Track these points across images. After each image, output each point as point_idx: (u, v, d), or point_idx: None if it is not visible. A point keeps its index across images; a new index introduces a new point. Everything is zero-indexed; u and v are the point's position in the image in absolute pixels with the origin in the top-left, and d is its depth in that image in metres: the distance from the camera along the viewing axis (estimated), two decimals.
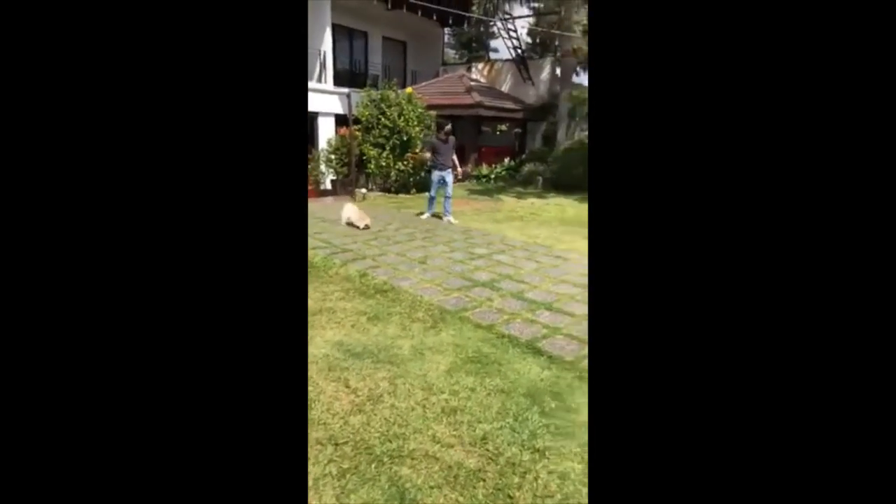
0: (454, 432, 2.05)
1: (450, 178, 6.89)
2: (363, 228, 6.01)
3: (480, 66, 15.21)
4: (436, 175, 6.94)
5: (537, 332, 3.13)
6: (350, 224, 6.19)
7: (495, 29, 13.44)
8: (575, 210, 8.06)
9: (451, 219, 6.80)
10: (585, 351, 2.86)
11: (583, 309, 3.53)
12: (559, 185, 10.09)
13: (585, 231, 6.40)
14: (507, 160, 12.27)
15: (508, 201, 8.91)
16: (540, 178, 10.66)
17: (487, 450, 1.94)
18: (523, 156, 12.48)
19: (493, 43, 21.00)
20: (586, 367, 2.66)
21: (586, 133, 12.38)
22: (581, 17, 16.07)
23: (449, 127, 7.18)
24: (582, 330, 3.16)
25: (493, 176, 11.48)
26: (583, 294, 3.86)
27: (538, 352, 2.85)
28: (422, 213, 7.17)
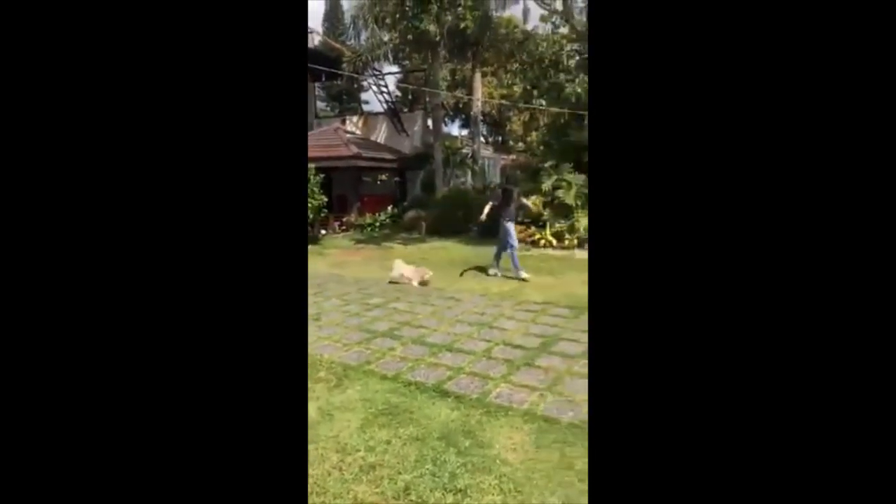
0: (376, 489, 2.03)
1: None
2: (419, 285, 5.72)
3: (355, 118, 15.59)
4: (511, 226, 6.36)
5: (442, 374, 3.23)
6: (401, 281, 5.81)
7: (366, 83, 13.98)
8: (460, 252, 8.50)
9: (523, 274, 6.24)
10: (489, 386, 3.03)
11: (482, 346, 3.74)
12: (441, 229, 10.57)
13: (472, 271, 6.83)
14: (389, 208, 12.55)
15: (396, 248, 9.09)
16: (423, 224, 11.08)
17: (412, 500, 1.96)
18: (405, 203, 12.88)
19: (364, 95, 21.71)
20: (492, 402, 2.82)
21: (462, 180, 13.25)
22: (445, 73, 17.38)
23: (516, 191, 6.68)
24: (483, 367, 3.35)
25: (377, 224, 11.64)
26: (479, 332, 4.08)
27: (445, 394, 2.95)
28: (506, 273, 6.34)
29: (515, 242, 6.37)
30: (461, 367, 3.35)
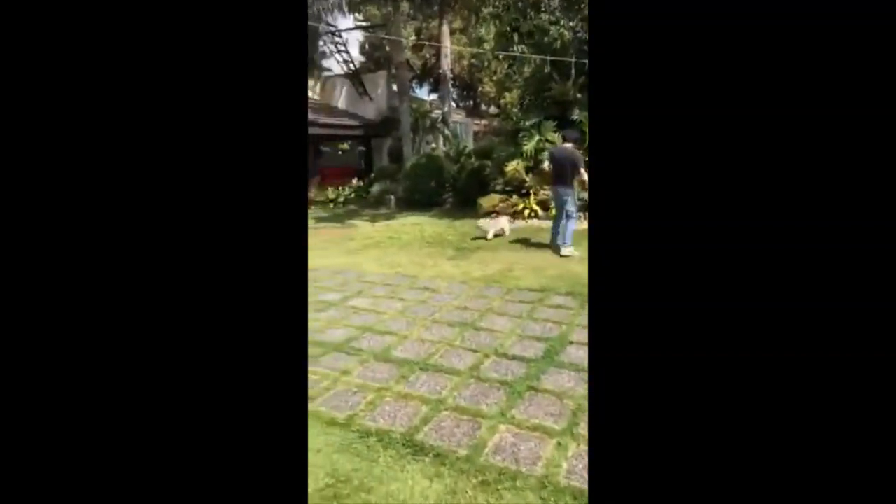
0: None
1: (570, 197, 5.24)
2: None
3: (311, 82, 14.11)
4: (558, 193, 5.35)
5: (414, 412, 2.29)
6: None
7: (321, 42, 12.47)
8: (434, 227, 7.50)
9: (569, 250, 5.20)
10: (482, 432, 2.10)
11: (468, 360, 2.80)
12: (413, 202, 9.52)
13: (449, 251, 5.82)
14: (354, 181, 11.39)
15: (362, 226, 8.03)
16: (392, 198, 9.98)
17: None
18: (371, 175, 11.71)
19: (323, 62, 20.03)
20: (489, 464, 1.89)
21: (432, 146, 12.12)
22: (409, 31, 15.97)
23: (567, 144, 5.35)
24: (470, 395, 2.41)
25: (341, 200, 10.49)
26: (461, 336, 3.15)
27: (419, 449, 2.01)
28: (559, 251, 5.25)
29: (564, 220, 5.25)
30: (441, 397, 2.40)
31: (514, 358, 2.81)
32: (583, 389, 2.41)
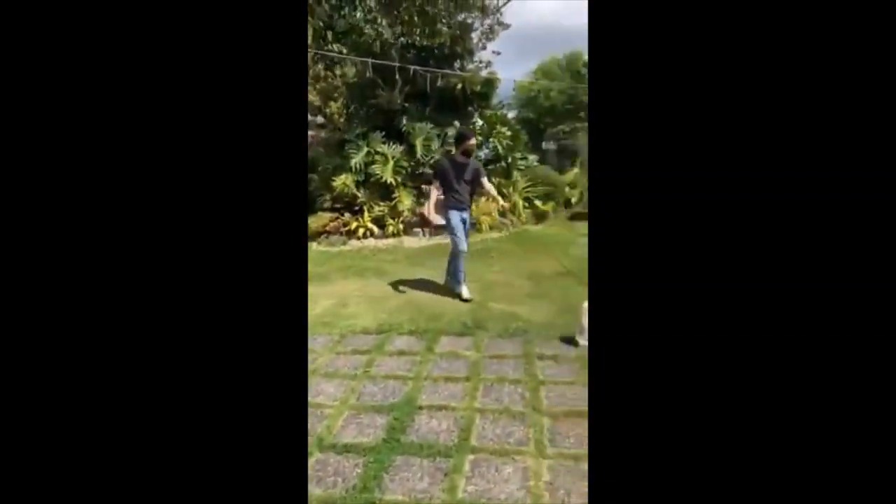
0: None
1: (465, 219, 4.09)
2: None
3: None
4: (455, 217, 3.96)
5: None
6: None
7: None
8: None
9: (465, 292, 3.99)
10: None
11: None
12: None
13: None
14: None
15: None
16: None
17: None
18: None
19: None
20: None
21: None
22: None
23: (473, 141, 4.01)
24: None
25: None
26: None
27: None
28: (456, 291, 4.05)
29: (460, 248, 4.01)
30: None
31: (346, 450, 2.01)
32: (440, 490, 1.73)
